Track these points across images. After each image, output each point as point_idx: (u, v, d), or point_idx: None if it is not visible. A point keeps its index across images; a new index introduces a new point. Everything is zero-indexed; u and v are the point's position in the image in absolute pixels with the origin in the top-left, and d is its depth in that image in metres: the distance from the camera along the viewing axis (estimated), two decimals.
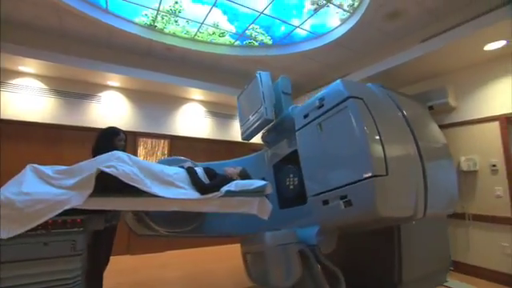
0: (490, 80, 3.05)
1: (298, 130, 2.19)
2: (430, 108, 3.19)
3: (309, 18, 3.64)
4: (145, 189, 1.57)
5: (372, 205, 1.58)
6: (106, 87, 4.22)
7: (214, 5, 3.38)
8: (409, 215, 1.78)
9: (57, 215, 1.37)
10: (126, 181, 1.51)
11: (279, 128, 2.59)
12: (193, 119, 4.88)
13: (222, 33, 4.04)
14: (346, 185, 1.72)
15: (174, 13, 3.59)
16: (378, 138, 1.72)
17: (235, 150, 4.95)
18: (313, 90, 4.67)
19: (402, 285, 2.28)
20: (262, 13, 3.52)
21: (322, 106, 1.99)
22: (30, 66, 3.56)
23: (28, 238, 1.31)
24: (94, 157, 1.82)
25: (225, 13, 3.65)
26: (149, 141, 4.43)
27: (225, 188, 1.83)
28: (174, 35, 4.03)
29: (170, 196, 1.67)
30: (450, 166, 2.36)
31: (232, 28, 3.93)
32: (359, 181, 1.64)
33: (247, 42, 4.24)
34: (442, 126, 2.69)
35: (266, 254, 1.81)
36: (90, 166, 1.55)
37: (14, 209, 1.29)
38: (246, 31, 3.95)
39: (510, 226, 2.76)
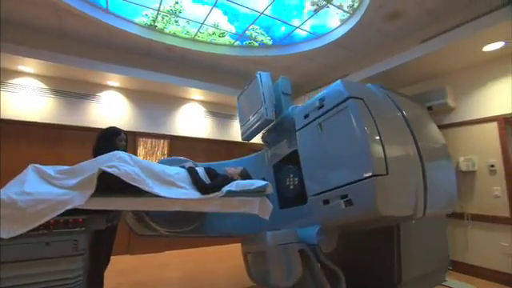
0: (489, 81, 3.07)
1: (299, 130, 2.20)
2: (429, 108, 3.21)
3: (309, 18, 3.65)
4: (146, 189, 1.58)
5: (372, 204, 1.59)
6: (106, 87, 4.22)
7: (215, 5, 3.39)
8: (409, 214, 1.79)
9: (58, 215, 1.38)
10: (128, 181, 1.51)
11: (279, 128, 2.60)
12: (193, 119, 4.88)
13: (222, 33, 4.05)
14: (347, 184, 1.73)
15: (175, 13, 3.60)
16: (378, 138, 1.73)
17: (235, 150, 4.97)
18: (312, 91, 4.68)
19: (402, 284, 2.30)
20: (262, 13, 3.53)
21: (323, 106, 2.00)
22: (29, 65, 3.56)
23: (30, 237, 1.31)
24: (94, 157, 1.82)
25: (225, 13, 3.65)
26: (148, 141, 4.44)
27: (226, 188, 1.83)
28: (174, 35, 4.04)
29: (172, 196, 1.67)
30: (449, 166, 2.37)
31: (232, 28, 3.94)
32: (360, 180, 1.65)
33: (247, 42, 4.25)
34: (440, 127, 2.70)
35: (267, 253, 1.82)
36: (92, 166, 1.55)
37: (16, 208, 1.29)
38: (246, 31, 3.96)
39: (508, 225, 2.79)
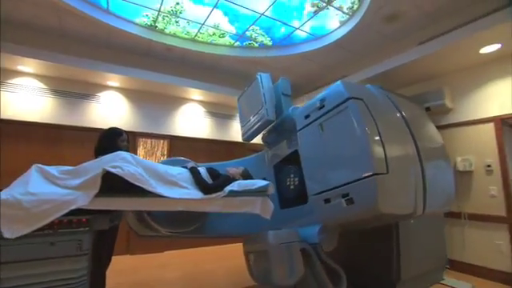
0: (486, 82, 3.12)
1: (300, 130, 2.22)
2: (427, 109, 3.24)
3: (309, 19, 3.68)
4: (150, 189, 1.59)
5: (374, 202, 1.62)
6: (106, 87, 4.21)
7: (215, 6, 3.40)
8: (408, 212, 1.82)
9: (62, 215, 1.38)
10: (132, 181, 1.52)
11: (279, 129, 2.62)
12: (192, 119, 4.89)
13: (222, 34, 4.07)
14: (348, 183, 1.75)
15: (175, 13, 3.61)
16: (378, 137, 1.76)
17: (234, 150, 4.98)
18: (312, 91, 4.71)
19: (401, 283, 2.33)
20: (262, 14, 3.55)
21: (323, 106, 2.02)
22: (29, 65, 3.54)
23: (35, 237, 1.32)
24: (96, 157, 1.83)
25: (226, 14, 3.67)
26: (148, 141, 4.44)
27: (228, 188, 1.85)
28: (174, 36, 4.04)
29: (175, 196, 1.68)
30: (448, 165, 2.41)
31: (232, 29, 3.96)
32: (361, 179, 1.68)
33: (247, 43, 4.27)
34: (438, 127, 2.73)
35: (270, 252, 1.84)
36: (95, 167, 1.56)
37: (21, 209, 1.29)
38: (246, 32, 3.98)
39: (504, 224, 2.83)
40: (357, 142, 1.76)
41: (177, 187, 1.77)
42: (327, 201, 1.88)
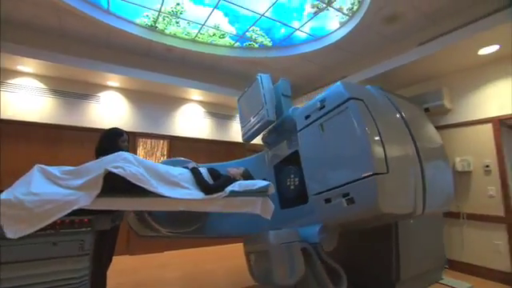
0: (484, 83, 3.14)
1: (300, 130, 2.24)
2: (426, 110, 3.27)
3: (309, 20, 3.69)
4: (151, 189, 1.60)
5: (374, 201, 1.63)
6: (106, 87, 4.21)
7: (216, 6, 3.41)
8: (408, 212, 1.84)
9: (64, 215, 1.39)
10: (134, 181, 1.53)
11: (280, 129, 2.63)
12: (192, 120, 4.89)
13: (223, 34, 4.07)
14: (348, 183, 1.77)
15: (176, 14, 3.61)
16: (378, 138, 1.78)
17: (234, 150, 4.99)
18: (312, 92, 4.73)
19: (400, 283, 2.34)
20: (262, 15, 3.56)
21: (324, 107, 2.04)
22: (29, 65, 3.54)
23: (38, 237, 1.33)
24: (97, 157, 1.83)
25: (226, 15, 3.68)
26: (148, 141, 4.44)
27: (229, 188, 1.86)
28: (174, 36, 4.05)
29: (176, 196, 1.69)
30: (447, 166, 2.43)
31: (232, 30, 3.96)
32: (361, 179, 1.69)
33: (247, 43, 4.28)
34: (437, 128, 2.76)
35: (270, 252, 1.85)
36: (97, 167, 1.57)
37: (23, 209, 1.30)
38: (247, 33, 3.99)
39: (502, 224, 2.85)
40: (357, 142, 1.77)
41: (178, 187, 1.78)
42: (328, 200, 1.90)
